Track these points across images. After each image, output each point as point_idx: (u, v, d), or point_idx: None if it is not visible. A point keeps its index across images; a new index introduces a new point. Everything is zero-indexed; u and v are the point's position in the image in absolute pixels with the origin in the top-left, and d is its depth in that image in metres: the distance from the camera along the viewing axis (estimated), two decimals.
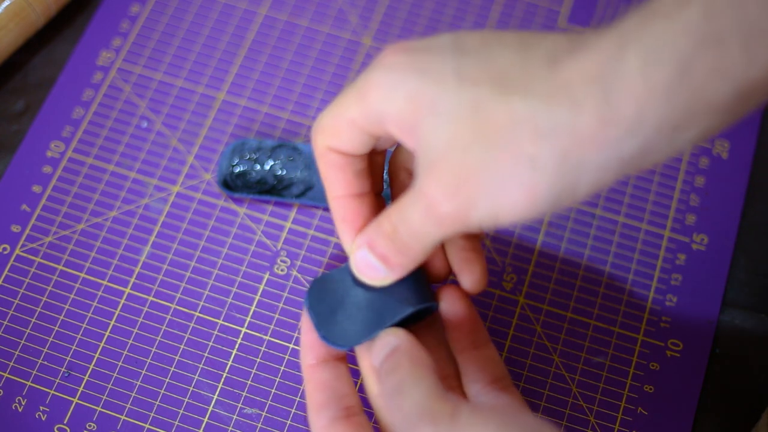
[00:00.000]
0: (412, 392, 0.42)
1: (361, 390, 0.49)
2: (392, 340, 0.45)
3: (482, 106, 0.39)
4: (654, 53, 0.37)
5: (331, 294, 0.47)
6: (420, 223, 0.42)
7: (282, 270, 0.57)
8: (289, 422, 0.53)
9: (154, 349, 0.55)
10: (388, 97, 0.42)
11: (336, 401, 0.46)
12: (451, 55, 0.41)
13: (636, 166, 0.39)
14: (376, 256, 0.44)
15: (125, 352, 0.54)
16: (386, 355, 0.44)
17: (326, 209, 0.58)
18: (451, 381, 0.48)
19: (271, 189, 0.58)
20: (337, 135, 0.45)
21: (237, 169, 0.59)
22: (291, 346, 0.55)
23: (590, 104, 0.38)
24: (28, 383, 0.54)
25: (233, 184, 0.58)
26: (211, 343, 0.55)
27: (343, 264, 0.47)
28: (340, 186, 0.46)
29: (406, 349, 0.44)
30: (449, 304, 0.48)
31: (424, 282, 0.47)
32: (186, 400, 0.53)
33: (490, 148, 0.39)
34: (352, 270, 0.46)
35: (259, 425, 0.53)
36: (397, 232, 0.43)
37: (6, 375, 0.54)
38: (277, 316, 0.56)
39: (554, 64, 0.39)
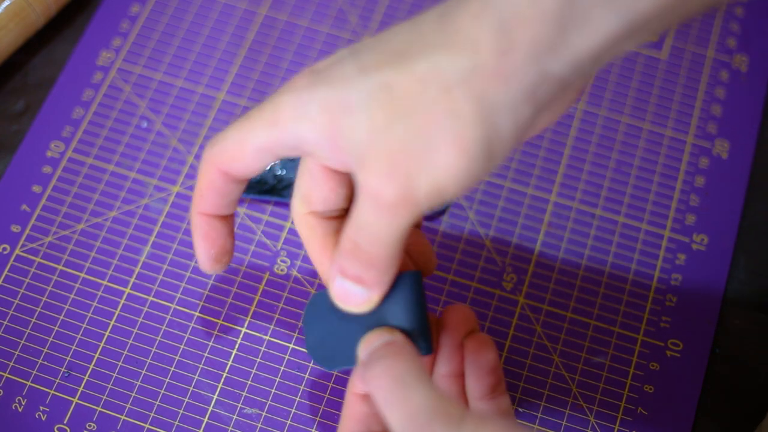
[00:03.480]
0: (418, 388, 0.41)
1: None
2: (383, 334, 0.44)
3: (390, 83, 0.39)
4: None
5: (326, 313, 0.45)
6: (373, 223, 0.41)
7: (282, 270, 0.57)
8: (289, 422, 0.53)
9: (154, 349, 0.55)
10: (302, 118, 0.41)
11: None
12: (349, 58, 0.40)
13: (544, 98, 0.39)
14: (350, 280, 0.43)
15: (125, 352, 0.55)
16: (379, 347, 0.43)
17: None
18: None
19: (271, 189, 0.58)
20: (235, 159, 0.43)
21: None
22: (291, 346, 0.55)
23: (486, 40, 0.37)
24: (28, 383, 0.54)
25: None
26: (211, 343, 0.55)
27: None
28: (212, 205, 0.46)
29: (402, 343, 0.43)
30: (451, 313, 0.48)
31: (415, 299, 0.45)
32: (186, 400, 0.53)
33: (409, 118, 0.39)
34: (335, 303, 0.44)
35: (259, 425, 0.53)
36: (357, 245, 0.42)
37: (6, 375, 0.54)
38: (277, 316, 0.56)
39: (444, 17, 0.39)
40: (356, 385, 0.45)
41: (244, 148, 0.43)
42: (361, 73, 0.40)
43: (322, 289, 0.47)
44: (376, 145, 0.39)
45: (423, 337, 0.44)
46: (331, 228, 0.45)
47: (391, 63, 0.39)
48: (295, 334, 0.55)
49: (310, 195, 0.45)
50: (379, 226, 0.41)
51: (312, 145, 0.41)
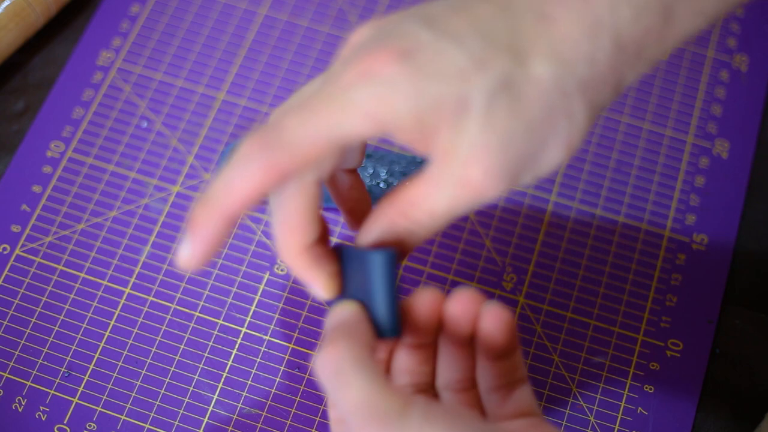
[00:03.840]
0: (354, 381, 0.38)
1: None
2: (340, 312, 0.41)
3: (510, 82, 0.39)
4: (642, 4, 0.40)
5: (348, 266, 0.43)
6: (449, 207, 0.40)
7: (282, 270, 0.57)
8: (289, 422, 0.53)
9: (154, 349, 0.55)
10: (400, 110, 0.38)
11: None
12: (448, 43, 0.38)
13: (629, 75, 0.41)
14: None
15: (125, 352, 0.54)
16: (332, 327, 0.40)
17: (326, 209, 0.58)
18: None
19: None
20: (314, 159, 0.39)
21: None
22: (291, 346, 0.55)
23: (603, 55, 0.40)
24: (28, 383, 0.54)
25: None
26: (211, 343, 0.55)
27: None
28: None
29: (352, 325, 0.40)
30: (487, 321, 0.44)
31: (384, 277, 0.42)
32: (186, 400, 0.53)
33: (528, 122, 0.39)
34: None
35: (259, 425, 0.53)
36: (408, 217, 0.41)
37: (6, 375, 0.54)
38: (277, 316, 0.56)
39: (544, 20, 0.39)
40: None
41: (320, 142, 0.38)
42: (478, 67, 0.38)
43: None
44: (491, 144, 0.39)
45: (387, 317, 0.41)
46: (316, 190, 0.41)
47: (507, 57, 0.39)
48: (295, 334, 0.55)
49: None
50: (451, 209, 0.40)
51: (403, 134, 0.39)
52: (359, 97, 0.38)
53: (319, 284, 0.42)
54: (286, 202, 0.40)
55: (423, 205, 0.41)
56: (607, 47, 0.39)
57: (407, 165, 0.58)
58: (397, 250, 0.42)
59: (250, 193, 0.39)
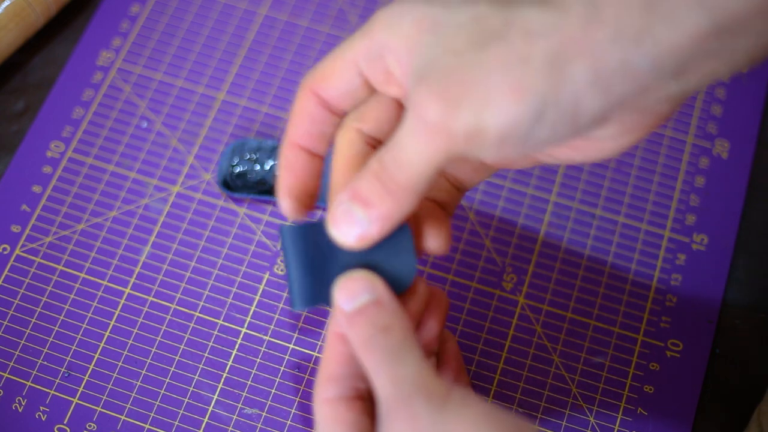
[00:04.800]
0: (408, 361, 0.40)
1: None
2: (369, 286, 0.42)
3: (480, 17, 0.39)
4: None
5: (309, 245, 0.44)
6: (412, 144, 0.40)
7: (282, 270, 0.57)
8: (289, 422, 0.53)
9: (154, 349, 0.55)
10: (393, 27, 0.41)
11: None
12: None
13: (619, 88, 0.38)
14: (359, 204, 0.41)
15: (125, 352, 0.55)
16: (366, 306, 0.42)
17: (326, 209, 0.58)
18: None
19: (271, 189, 0.58)
20: (328, 76, 0.44)
21: (237, 169, 0.59)
22: (291, 346, 0.55)
23: (577, 7, 0.38)
24: (28, 383, 0.54)
25: (233, 184, 0.58)
26: (211, 343, 0.55)
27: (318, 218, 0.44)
28: (303, 134, 0.45)
29: (394, 307, 0.42)
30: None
31: (409, 250, 0.44)
32: (186, 400, 0.53)
33: (482, 49, 0.39)
34: (330, 227, 0.42)
35: (259, 425, 0.53)
36: (384, 165, 0.40)
37: (6, 375, 0.54)
38: (277, 316, 0.56)
39: None
40: (339, 325, 0.43)
41: (335, 62, 0.43)
42: (464, 3, 0.40)
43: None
44: (441, 64, 0.39)
45: (408, 271, 0.43)
46: (365, 151, 0.44)
47: (489, 2, 0.40)
48: (295, 334, 0.55)
49: (367, 112, 0.44)
50: (416, 148, 0.40)
51: (391, 55, 0.41)
52: (365, 25, 0.43)
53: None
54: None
55: (395, 148, 0.40)
56: (579, 2, 0.38)
57: None
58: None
59: (295, 114, 0.45)
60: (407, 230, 0.43)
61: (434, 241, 0.46)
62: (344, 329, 0.42)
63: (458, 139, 0.39)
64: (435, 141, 0.39)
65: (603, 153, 0.43)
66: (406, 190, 0.40)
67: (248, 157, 0.59)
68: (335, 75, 0.44)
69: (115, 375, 0.54)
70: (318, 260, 0.43)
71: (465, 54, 0.39)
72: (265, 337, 0.55)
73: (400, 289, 0.44)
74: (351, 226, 0.41)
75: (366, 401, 0.43)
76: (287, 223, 0.44)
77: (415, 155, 0.40)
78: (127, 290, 0.56)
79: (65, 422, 0.53)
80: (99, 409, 0.53)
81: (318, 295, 0.44)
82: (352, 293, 0.42)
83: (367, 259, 0.43)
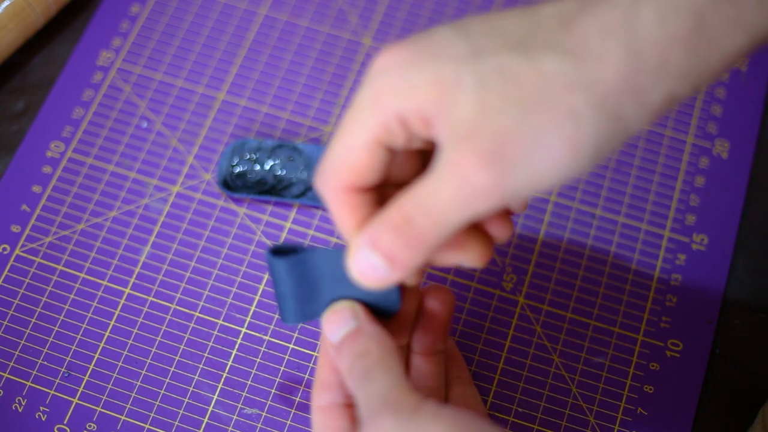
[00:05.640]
0: (378, 380, 0.42)
1: None
2: (351, 316, 0.44)
3: (507, 70, 0.38)
4: (670, 7, 0.37)
5: (303, 269, 0.44)
6: (447, 203, 0.39)
7: None
8: (289, 422, 0.53)
9: (154, 349, 0.55)
10: (406, 91, 0.39)
11: None
12: (458, 38, 0.39)
13: (662, 112, 0.39)
14: (379, 254, 0.41)
15: (125, 352, 0.54)
16: (349, 335, 0.44)
17: (326, 209, 0.58)
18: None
19: (271, 189, 0.58)
20: (353, 167, 0.41)
21: (237, 169, 0.59)
22: (291, 346, 0.55)
23: (614, 55, 0.38)
24: (28, 383, 0.54)
25: (233, 184, 0.58)
26: (211, 343, 0.55)
27: (324, 247, 0.45)
28: (356, 223, 0.43)
29: (372, 333, 0.44)
30: (432, 300, 0.48)
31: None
32: (186, 400, 0.53)
33: (525, 108, 0.38)
34: (349, 270, 0.42)
35: (259, 425, 0.53)
36: (410, 222, 0.40)
37: (6, 375, 0.54)
38: (277, 316, 0.56)
39: (567, 23, 0.38)
40: (320, 398, 0.46)
41: (353, 153, 0.41)
42: (475, 56, 0.39)
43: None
44: (483, 125, 0.38)
45: (393, 300, 0.45)
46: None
47: (510, 50, 0.38)
48: (295, 335, 0.55)
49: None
50: (452, 208, 0.39)
51: (414, 119, 0.40)
52: (363, 96, 0.41)
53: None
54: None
55: (424, 205, 0.40)
56: (617, 49, 0.37)
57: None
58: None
59: (344, 217, 0.43)
60: None
61: (498, 229, 0.45)
62: (333, 358, 0.45)
63: (507, 197, 0.39)
64: (479, 203, 0.39)
65: None
66: (433, 244, 0.40)
67: (248, 157, 0.59)
68: (362, 164, 0.41)
69: (115, 375, 0.54)
70: (307, 283, 0.45)
71: (507, 113, 0.38)
72: (265, 337, 0.55)
73: (385, 314, 0.46)
74: (371, 271, 0.41)
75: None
76: (271, 249, 0.45)
77: (451, 214, 0.39)
78: (127, 290, 0.56)
79: (65, 422, 0.53)
80: (99, 409, 0.53)
81: (308, 313, 0.46)
82: (337, 324, 0.44)
83: (353, 285, 0.43)
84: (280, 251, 0.45)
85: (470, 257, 0.44)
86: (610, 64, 0.38)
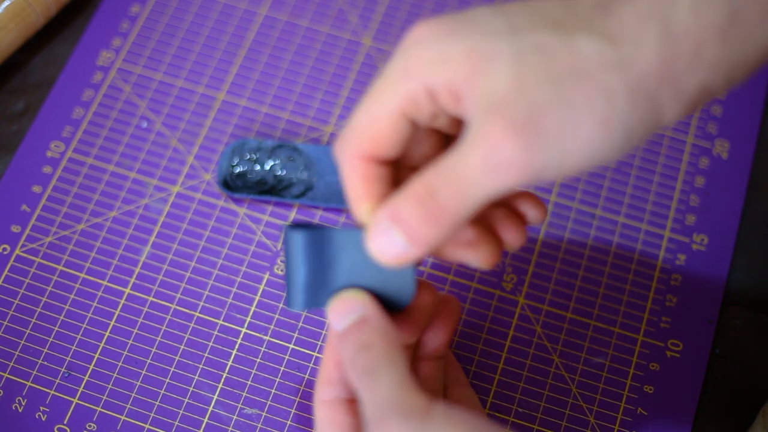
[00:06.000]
0: (385, 378, 0.40)
1: None
2: (359, 305, 0.42)
3: (544, 46, 0.38)
4: None
5: (315, 251, 0.43)
6: (474, 175, 0.38)
7: (282, 270, 0.57)
8: (289, 422, 0.53)
9: (154, 349, 0.55)
10: (439, 63, 0.39)
11: None
12: (496, 15, 0.39)
13: (696, 103, 0.39)
14: (400, 229, 0.39)
15: (125, 352, 0.55)
16: (354, 324, 0.42)
17: (326, 209, 0.58)
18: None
19: (271, 189, 0.58)
20: (374, 135, 0.41)
21: (237, 170, 0.59)
22: (291, 346, 0.55)
23: (651, 40, 0.38)
24: (28, 383, 0.54)
25: (233, 184, 0.58)
26: (211, 343, 0.55)
27: (340, 227, 0.44)
28: (365, 192, 0.42)
29: (378, 325, 0.42)
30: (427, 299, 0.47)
31: (411, 274, 0.44)
32: (186, 400, 0.53)
33: (561, 83, 0.37)
34: (367, 246, 0.41)
35: (259, 425, 0.53)
36: (434, 194, 0.39)
37: (6, 375, 0.54)
38: (277, 316, 0.56)
39: (604, 9, 0.38)
40: (323, 392, 0.45)
41: (377, 124, 0.40)
42: (513, 31, 0.38)
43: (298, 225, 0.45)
44: (517, 96, 0.38)
45: (408, 288, 0.44)
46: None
47: (547, 28, 0.38)
48: (295, 334, 0.55)
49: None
50: (478, 180, 0.38)
51: (444, 93, 0.39)
52: (394, 65, 0.40)
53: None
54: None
55: (450, 176, 0.39)
56: (654, 34, 0.37)
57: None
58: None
59: (356, 185, 0.42)
60: None
61: (532, 212, 0.45)
62: (336, 347, 0.43)
63: (535, 174, 0.38)
64: (507, 175, 0.38)
65: None
66: (457, 220, 0.39)
67: (248, 157, 0.59)
68: (384, 133, 0.41)
69: (115, 375, 0.54)
70: (320, 265, 0.44)
71: (542, 87, 0.38)
72: (265, 337, 0.55)
73: (399, 305, 0.44)
74: (390, 246, 0.40)
75: None
76: (290, 225, 0.44)
77: (478, 186, 0.38)
78: (127, 290, 0.56)
79: (65, 422, 0.53)
80: (99, 409, 0.53)
81: (316, 299, 0.44)
82: (343, 312, 0.43)
83: (368, 272, 0.43)
84: (300, 227, 0.44)
85: (478, 257, 0.43)
86: (646, 48, 0.38)
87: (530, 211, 0.45)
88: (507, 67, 0.38)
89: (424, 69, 0.39)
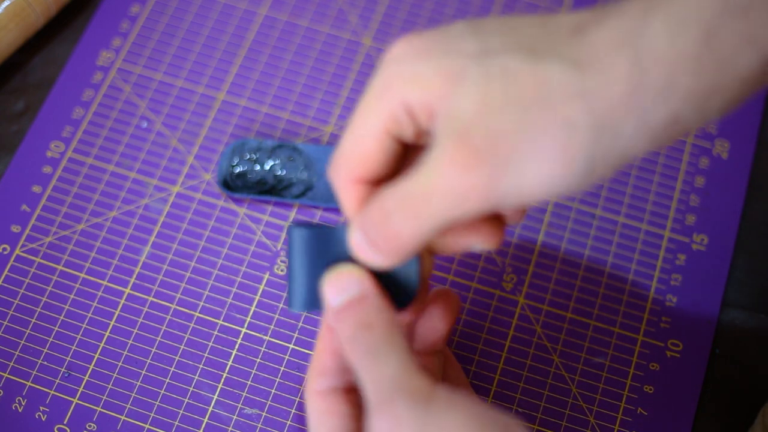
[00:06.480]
0: (387, 359, 0.39)
1: None
2: (355, 281, 0.42)
3: (511, 71, 0.38)
4: (679, 20, 0.36)
5: (316, 249, 0.43)
6: (429, 201, 0.38)
7: (282, 270, 0.57)
8: (289, 422, 0.53)
9: (154, 349, 0.55)
10: (416, 81, 0.39)
11: (352, 429, 0.43)
12: (471, 35, 0.39)
13: (666, 136, 0.38)
14: (367, 240, 0.40)
15: (125, 352, 0.55)
16: (351, 302, 0.41)
17: (326, 209, 0.58)
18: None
19: (271, 189, 0.58)
20: (362, 157, 0.41)
21: (237, 169, 0.59)
22: (291, 346, 0.55)
23: (619, 69, 0.37)
24: (28, 383, 0.54)
25: (233, 184, 0.58)
26: (211, 343, 0.55)
27: (339, 224, 0.44)
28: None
29: (378, 303, 0.41)
30: (439, 304, 0.47)
31: (412, 267, 0.43)
32: (186, 400, 0.53)
33: (522, 110, 0.37)
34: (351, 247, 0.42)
35: (259, 425, 0.53)
36: (388, 218, 0.39)
37: (6, 375, 0.54)
38: (277, 316, 0.56)
39: (579, 32, 0.38)
40: (316, 383, 0.44)
41: (363, 145, 0.41)
42: (485, 53, 0.38)
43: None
44: (481, 120, 0.38)
45: (408, 292, 0.43)
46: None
47: (518, 52, 0.38)
48: (295, 334, 0.55)
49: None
50: (434, 206, 0.38)
51: (418, 108, 0.39)
52: (375, 84, 0.41)
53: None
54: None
55: (403, 201, 0.39)
56: (623, 62, 0.37)
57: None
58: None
59: (352, 208, 0.42)
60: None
61: (515, 215, 0.44)
62: (332, 324, 0.42)
63: (494, 202, 0.38)
64: (465, 202, 0.38)
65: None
66: (412, 244, 0.40)
67: (248, 157, 0.59)
68: (370, 154, 0.41)
69: (115, 375, 0.54)
70: (322, 265, 0.43)
71: (505, 113, 0.37)
72: (265, 337, 0.55)
73: (401, 304, 0.44)
74: (365, 254, 0.41)
75: (356, 393, 0.43)
76: (294, 224, 0.44)
77: (432, 214, 0.39)
78: (127, 290, 0.56)
79: (65, 422, 0.53)
80: (99, 409, 0.53)
81: (318, 300, 0.44)
82: (340, 288, 0.42)
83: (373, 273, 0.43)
84: (303, 226, 0.44)
85: (481, 240, 0.43)
86: (613, 77, 0.37)
87: None
88: (473, 90, 0.38)
89: (401, 87, 0.40)
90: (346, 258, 0.43)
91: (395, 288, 0.43)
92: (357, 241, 0.41)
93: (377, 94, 0.40)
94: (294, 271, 0.44)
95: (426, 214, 0.39)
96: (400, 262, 0.41)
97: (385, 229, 0.40)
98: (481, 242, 0.43)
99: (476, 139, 0.37)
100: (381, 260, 0.41)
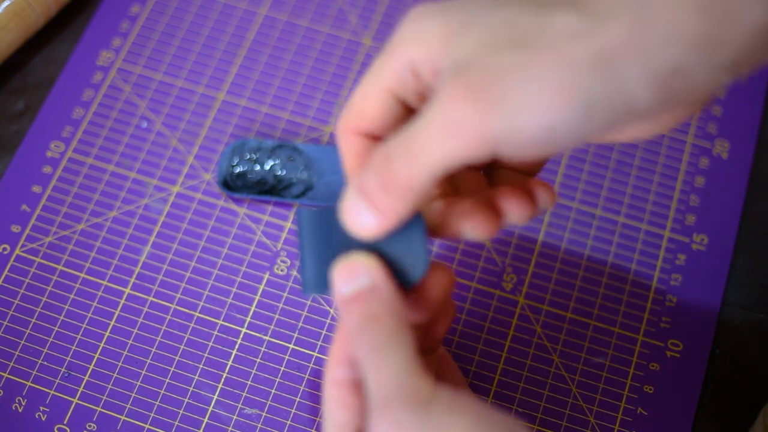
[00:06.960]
0: (391, 358, 0.39)
1: None
2: (366, 271, 0.41)
3: (515, 18, 0.38)
4: None
5: (324, 231, 0.42)
6: (426, 138, 0.37)
7: (282, 270, 0.57)
8: (289, 422, 0.53)
9: (154, 349, 0.55)
10: (420, 38, 0.40)
11: (361, 425, 0.42)
12: None
13: (672, 89, 0.37)
14: (364, 201, 0.39)
15: (125, 352, 0.55)
16: (361, 292, 0.41)
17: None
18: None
19: (271, 189, 0.58)
20: (365, 113, 0.42)
21: (237, 169, 0.59)
22: (291, 346, 0.55)
23: (622, 14, 0.36)
24: (28, 383, 0.54)
25: (233, 184, 0.58)
26: (211, 343, 0.55)
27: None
28: (356, 167, 0.43)
29: (387, 297, 0.41)
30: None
31: (420, 243, 0.42)
32: (186, 400, 0.53)
33: (522, 50, 0.37)
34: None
35: (259, 425, 0.53)
36: (389, 161, 0.38)
37: (6, 375, 0.54)
38: (277, 316, 0.56)
39: None
40: (335, 372, 0.43)
41: (368, 97, 0.42)
42: (493, 7, 0.39)
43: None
44: (479, 59, 0.37)
45: (420, 262, 0.42)
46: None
47: (527, 6, 0.38)
48: (295, 334, 0.55)
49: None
50: (430, 143, 0.38)
51: (423, 65, 0.39)
52: (389, 43, 0.41)
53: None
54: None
55: (404, 142, 0.39)
56: (630, 6, 0.36)
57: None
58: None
59: (351, 161, 0.43)
60: (420, 222, 0.42)
61: (543, 194, 0.44)
62: (340, 313, 0.41)
63: (490, 140, 0.37)
64: (459, 139, 0.37)
65: (642, 134, 0.42)
66: (412, 187, 0.39)
67: (248, 157, 0.59)
68: (372, 110, 0.42)
69: (115, 375, 0.54)
70: (333, 247, 0.43)
71: (502, 52, 0.37)
72: (265, 337, 0.55)
73: (410, 282, 0.43)
74: (359, 219, 0.40)
75: None
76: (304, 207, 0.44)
77: (429, 152, 0.38)
78: (127, 290, 0.56)
79: (65, 422, 0.53)
80: (99, 409, 0.53)
81: (329, 282, 0.43)
82: (350, 276, 0.41)
83: (379, 250, 0.42)
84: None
85: (473, 227, 0.43)
86: (618, 20, 0.36)
87: (541, 194, 0.44)
88: (474, 35, 0.38)
89: (406, 46, 0.40)
90: (356, 239, 0.42)
91: (402, 266, 0.42)
92: (350, 204, 0.40)
93: (386, 55, 0.41)
94: (305, 255, 0.43)
95: (424, 153, 0.38)
96: (399, 218, 0.40)
97: (386, 173, 0.39)
98: (472, 228, 0.43)
99: (474, 76, 0.37)
100: (377, 221, 0.40)
